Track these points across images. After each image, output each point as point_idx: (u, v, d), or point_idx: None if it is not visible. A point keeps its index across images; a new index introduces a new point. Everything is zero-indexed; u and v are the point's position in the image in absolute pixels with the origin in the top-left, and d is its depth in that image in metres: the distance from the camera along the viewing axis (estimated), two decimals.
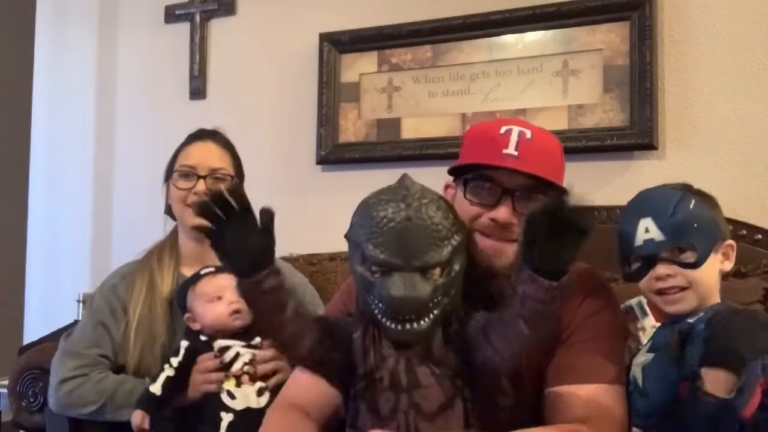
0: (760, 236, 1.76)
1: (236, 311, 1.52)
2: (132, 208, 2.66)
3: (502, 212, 1.20)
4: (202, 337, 1.55)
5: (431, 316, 1.02)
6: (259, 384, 1.50)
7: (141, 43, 2.76)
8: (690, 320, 1.16)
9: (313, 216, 2.34)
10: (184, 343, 1.56)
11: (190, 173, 1.73)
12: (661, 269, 1.19)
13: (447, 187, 1.32)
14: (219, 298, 1.54)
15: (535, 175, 1.18)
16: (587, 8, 2.06)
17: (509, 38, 2.18)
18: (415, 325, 1.01)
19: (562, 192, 1.21)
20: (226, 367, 1.51)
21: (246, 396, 1.49)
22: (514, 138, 1.20)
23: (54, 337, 2.02)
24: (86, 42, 2.86)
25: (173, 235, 1.82)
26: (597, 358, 1.21)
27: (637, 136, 1.99)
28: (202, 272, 1.60)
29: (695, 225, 1.19)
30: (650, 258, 1.20)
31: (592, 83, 2.07)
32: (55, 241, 2.88)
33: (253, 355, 1.52)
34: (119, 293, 1.74)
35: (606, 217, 1.90)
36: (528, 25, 2.14)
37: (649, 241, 1.19)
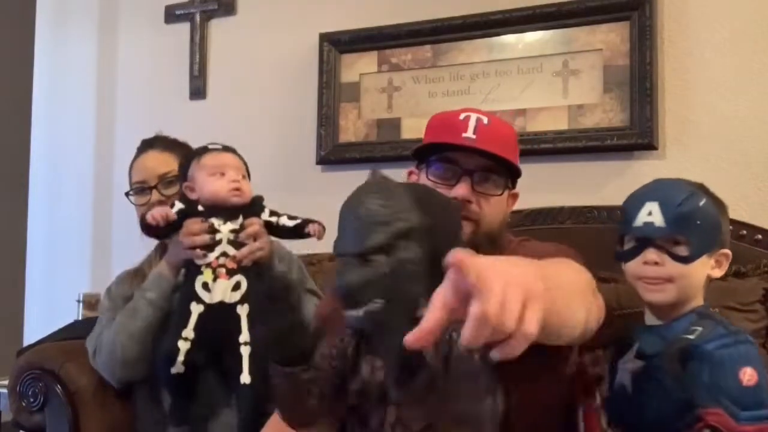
0: (760, 236, 1.76)
1: (236, 189, 1.54)
2: (132, 208, 2.64)
3: (462, 189, 1.28)
4: (200, 207, 1.56)
5: (377, 301, 0.99)
6: (235, 278, 1.51)
7: (141, 43, 2.76)
8: (690, 336, 1.15)
9: (313, 216, 2.32)
10: (178, 204, 1.57)
11: (142, 188, 1.79)
12: (652, 254, 1.20)
13: (410, 173, 1.40)
14: (222, 174, 1.55)
15: (492, 155, 1.27)
16: (587, 8, 2.06)
17: (509, 38, 2.18)
18: (360, 311, 0.99)
19: (516, 172, 1.32)
20: (208, 247, 1.52)
21: (221, 289, 1.50)
22: (472, 123, 1.29)
23: (54, 337, 2.02)
24: (86, 42, 2.86)
25: (162, 243, 1.84)
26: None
27: (637, 136, 1.99)
28: (210, 146, 1.61)
29: (698, 222, 1.19)
30: (645, 240, 1.21)
31: (592, 83, 2.07)
32: (55, 241, 2.88)
33: (234, 253, 1.52)
34: (116, 292, 1.77)
35: (606, 217, 1.90)
36: (528, 25, 2.14)
37: (648, 224, 1.20)
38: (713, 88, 1.96)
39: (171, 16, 2.70)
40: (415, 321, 0.81)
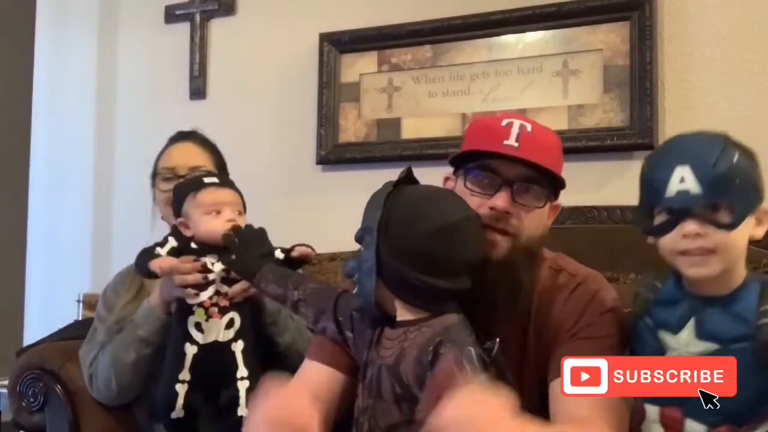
0: None
1: (232, 228, 1.49)
2: (132, 208, 2.66)
3: (501, 200, 1.20)
4: (193, 245, 1.52)
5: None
6: (228, 316, 1.48)
7: (141, 43, 2.76)
8: None
9: (313, 216, 2.33)
10: (172, 240, 1.53)
11: (171, 175, 1.75)
12: (692, 226, 1.04)
13: (446, 179, 1.33)
14: (218, 212, 1.50)
15: (534, 165, 1.19)
16: (587, 8, 2.06)
17: (509, 38, 2.18)
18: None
19: (559, 183, 1.25)
20: (201, 286, 1.48)
21: (214, 329, 1.47)
22: (515, 130, 1.20)
23: (54, 337, 2.02)
24: (86, 42, 2.86)
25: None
26: (599, 354, 1.20)
27: (637, 136, 1.99)
28: (206, 180, 1.54)
29: (737, 181, 1.05)
30: (680, 212, 1.05)
31: (592, 83, 2.07)
32: (55, 241, 2.88)
33: (227, 290, 1.49)
34: (112, 297, 1.76)
35: (606, 217, 1.90)
36: (528, 25, 2.14)
37: (683, 193, 1.04)
38: (713, 88, 1.96)
39: (171, 16, 2.70)
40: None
